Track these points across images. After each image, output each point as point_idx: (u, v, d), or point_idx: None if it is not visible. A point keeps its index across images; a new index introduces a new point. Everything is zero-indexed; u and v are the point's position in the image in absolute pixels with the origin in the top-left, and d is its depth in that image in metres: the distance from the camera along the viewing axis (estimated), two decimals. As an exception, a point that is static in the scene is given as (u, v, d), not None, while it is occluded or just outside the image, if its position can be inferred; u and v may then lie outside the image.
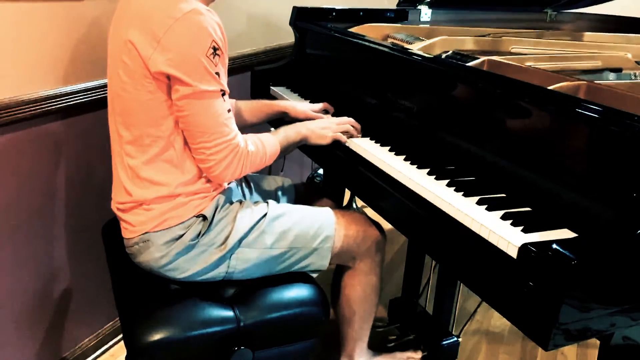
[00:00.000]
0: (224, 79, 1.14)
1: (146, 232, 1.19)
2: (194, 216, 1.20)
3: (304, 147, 1.54)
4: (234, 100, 1.50)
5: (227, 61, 1.17)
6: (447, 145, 1.27)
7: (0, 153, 1.32)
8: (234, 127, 1.17)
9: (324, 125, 1.39)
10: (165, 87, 1.11)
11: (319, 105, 1.58)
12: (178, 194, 1.19)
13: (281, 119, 1.58)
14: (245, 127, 1.43)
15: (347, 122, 1.41)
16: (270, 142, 1.28)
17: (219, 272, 1.23)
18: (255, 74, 1.94)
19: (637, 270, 0.84)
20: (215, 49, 1.09)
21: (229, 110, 1.16)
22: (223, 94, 1.14)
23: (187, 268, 1.21)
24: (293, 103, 1.58)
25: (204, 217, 1.20)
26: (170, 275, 1.22)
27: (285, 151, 1.34)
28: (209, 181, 1.22)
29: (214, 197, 1.23)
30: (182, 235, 1.19)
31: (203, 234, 1.20)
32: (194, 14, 1.07)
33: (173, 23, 1.06)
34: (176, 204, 1.19)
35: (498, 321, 2.00)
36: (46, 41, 1.37)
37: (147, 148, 1.17)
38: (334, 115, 1.55)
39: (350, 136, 1.40)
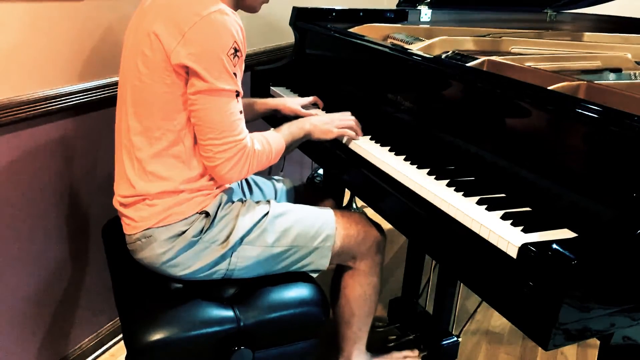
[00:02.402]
0: (240, 81, 1.16)
1: (149, 228, 1.19)
2: (197, 213, 1.20)
3: (304, 147, 1.54)
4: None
5: (244, 64, 1.19)
6: (447, 145, 1.27)
7: (1, 153, 1.32)
8: (244, 128, 1.18)
9: (327, 121, 1.40)
10: (183, 81, 1.13)
11: (309, 99, 1.60)
12: (182, 190, 1.19)
13: (274, 116, 1.61)
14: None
15: (349, 119, 1.41)
16: (276, 140, 1.28)
17: (220, 269, 1.23)
18: (255, 74, 1.94)
19: (637, 270, 0.84)
20: (236, 50, 1.12)
21: (240, 112, 1.17)
22: (237, 95, 1.15)
23: (188, 265, 1.21)
24: (284, 100, 1.60)
25: (207, 214, 1.21)
26: (172, 272, 1.22)
27: (290, 147, 1.35)
28: (212, 179, 1.23)
29: (216, 195, 1.23)
30: (184, 232, 1.19)
31: (205, 231, 1.20)
32: (219, 14, 1.10)
33: (199, 20, 1.09)
34: (179, 200, 1.19)
35: (498, 321, 2.00)
36: (47, 41, 1.37)
37: (156, 141, 1.17)
38: (323, 110, 1.56)
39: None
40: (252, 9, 1.31)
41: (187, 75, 1.12)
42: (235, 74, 1.13)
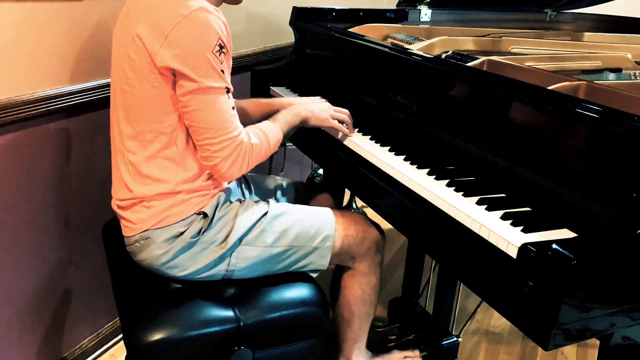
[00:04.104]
0: (228, 77, 1.15)
1: (146, 230, 1.19)
2: (195, 213, 1.20)
3: (304, 147, 1.54)
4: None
5: (231, 62, 1.18)
6: (447, 145, 1.27)
7: (0, 153, 1.32)
8: (239, 124, 1.18)
9: (322, 108, 1.40)
10: (170, 83, 1.12)
11: (316, 99, 1.58)
12: (178, 191, 1.19)
13: None
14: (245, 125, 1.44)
15: (343, 112, 1.42)
16: (273, 131, 1.28)
17: (219, 270, 1.23)
18: (255, 74, 1.94)
19: (637, 270, 0.84)
20: (221, 46, 1.11)
21: (233, 108, 1.16)
22: (228, 91, 1.15)
23: (187, 266, 1.21)
24: (290, 100, 1.58)
25: (205, 215, 1.21)
26: (171, 273, 1.22)
27: (287, 136, 1.34)
28: (209, 179, 1.22)
29: (214, 195, 1.23)
30: (182, 233, 1.19)
31: (204, 232, 1.20)
32: (201, 12, 1.09)
33: (181, 20, 1.08)
34: (177, 201, 1.19)
35: (498, 321, 2.00)
36: (46, 41, 1.37)
37: (149, 144, 1.17)
38: None
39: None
40: (236, 1, 1.30)
41: (174, 77, 1.12)
42: (222, 70, 1.12)
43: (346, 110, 1.43)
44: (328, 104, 1.44)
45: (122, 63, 1.15)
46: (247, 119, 1.54)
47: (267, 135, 1.25)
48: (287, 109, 1.37)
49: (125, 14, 1.20)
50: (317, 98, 1.55)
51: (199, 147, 1.16)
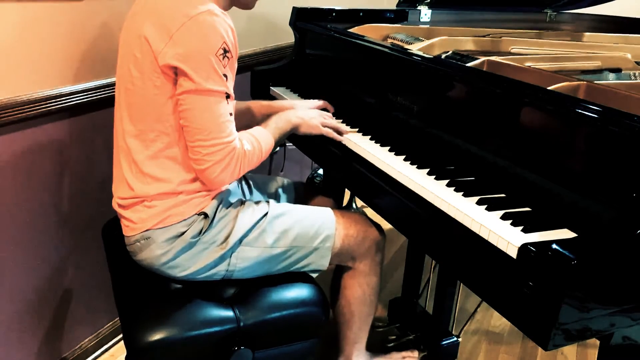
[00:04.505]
0: (230, 82, 1.15)
1: (147, 230, 1.19)
2: (196, 214, 1.20)
3: (304, 147, 1.54)
4: (235, 101, 1.50)
5: (236, 66, 1.17)
6: (447, 145, 1.27)
7: (0, 153, 1.32)
8: (234, 131, 1.17)
9: (312, 115, 1.41)
10: (172, 82, 1.12)
11: (319, 102, 1.58)
12: (180, 191, 1.19)
13: None
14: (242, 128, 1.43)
15: (332, 119, 1.43)
16: (265, 137, 1.27)
17: (219, 270, 1.23)
18: (255, 74, 1.94)
19: (637, 270, 0.84)
20: (225, 50, 1.11)
21: (230, 114, 1.16)
22: (227, 97, 1.14)
23: (187, 266, 1.21)
24: (292, 103, 1.58)
25: (206, 215, 1.21)
26: (171, 273, 1.22)
27: (278, 142, 1.35)
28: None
29: (215, 196, 1.23)
30: (183, 233, 1.19)
31: (204, 232, 1.20)
32: (208, 15, 1.09)
33: (187, 21, 1.08)
34: (178, 201, 1.19)
35: (498, 321, 2.00)
36: (47, 41, 1.37)
37: (151, 143, 1.17)
38: (334, 115, 1.55)
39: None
40: (246, 6, 1.30)
41: (176, 76, 1.12)
42: (225, 75, 1.12)
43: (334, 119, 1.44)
44: (319, 110, 1.45)
45: (128, 62, 1.16)
46: (251, 121, 1.53)
47: (260, 142, 1.24)
48: (278, 115, 1.37)
49: (133, 15, 1.20)
50: (316, 101, 1.55)
51: (190, 149, 1.15)
